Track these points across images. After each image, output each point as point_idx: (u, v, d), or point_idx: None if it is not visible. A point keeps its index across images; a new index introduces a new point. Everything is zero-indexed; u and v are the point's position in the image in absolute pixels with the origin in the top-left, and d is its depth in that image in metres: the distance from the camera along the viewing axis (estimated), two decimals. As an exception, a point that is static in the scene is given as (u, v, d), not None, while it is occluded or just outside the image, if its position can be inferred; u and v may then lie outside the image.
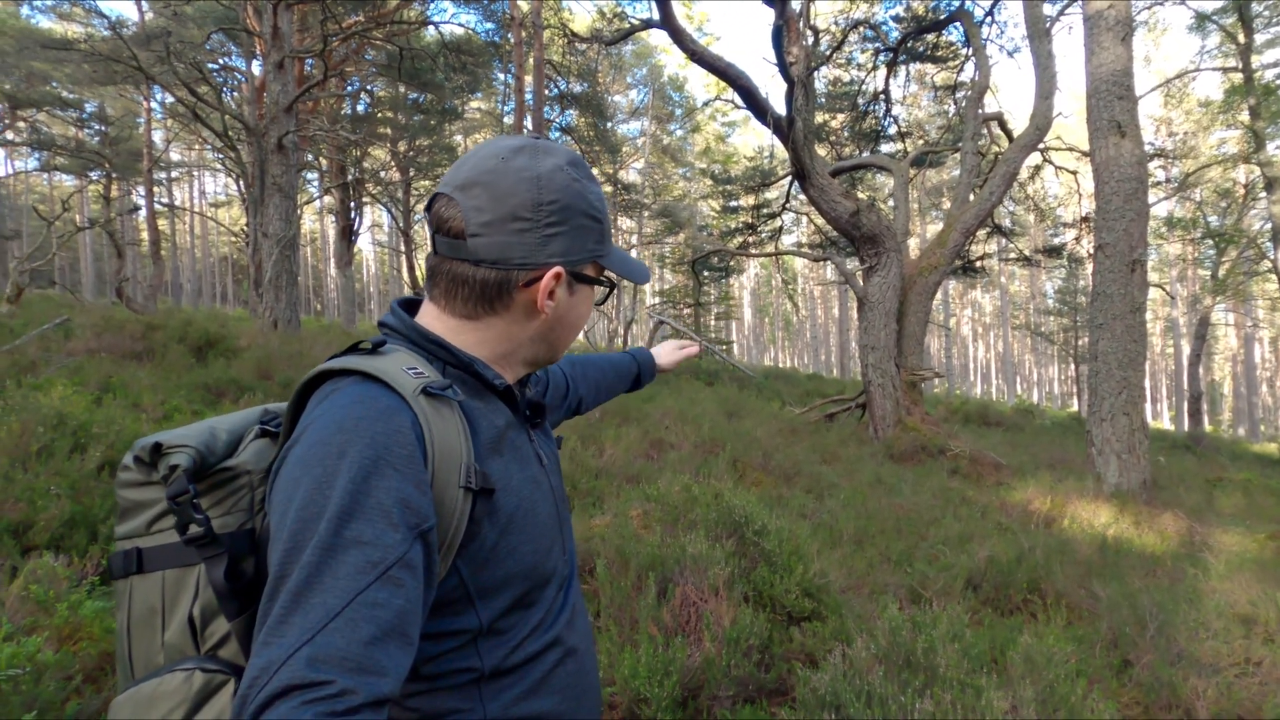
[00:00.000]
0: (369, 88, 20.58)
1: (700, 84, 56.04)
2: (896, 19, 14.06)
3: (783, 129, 7.51)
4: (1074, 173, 12.87)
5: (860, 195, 12.38)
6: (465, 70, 16.75)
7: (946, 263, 8.79)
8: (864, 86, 14.56)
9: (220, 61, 18.79)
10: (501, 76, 21.66)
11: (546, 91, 16.79)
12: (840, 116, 16.93)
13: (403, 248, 21.48)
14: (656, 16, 7.48)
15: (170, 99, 16.88)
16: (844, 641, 2.36)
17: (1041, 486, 6.23)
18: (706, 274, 23.28)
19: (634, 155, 31.15)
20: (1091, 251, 7.53)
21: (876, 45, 13.54)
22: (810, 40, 10.07)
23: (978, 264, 15.61)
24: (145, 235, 21.13)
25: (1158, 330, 41.70)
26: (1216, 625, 3.10)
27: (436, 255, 0.82)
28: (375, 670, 0.58)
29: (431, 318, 0.83)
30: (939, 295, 17.82)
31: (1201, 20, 16.44)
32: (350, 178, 18.72)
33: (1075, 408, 27.33)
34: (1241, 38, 15.36)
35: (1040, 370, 53.51)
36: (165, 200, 29.99)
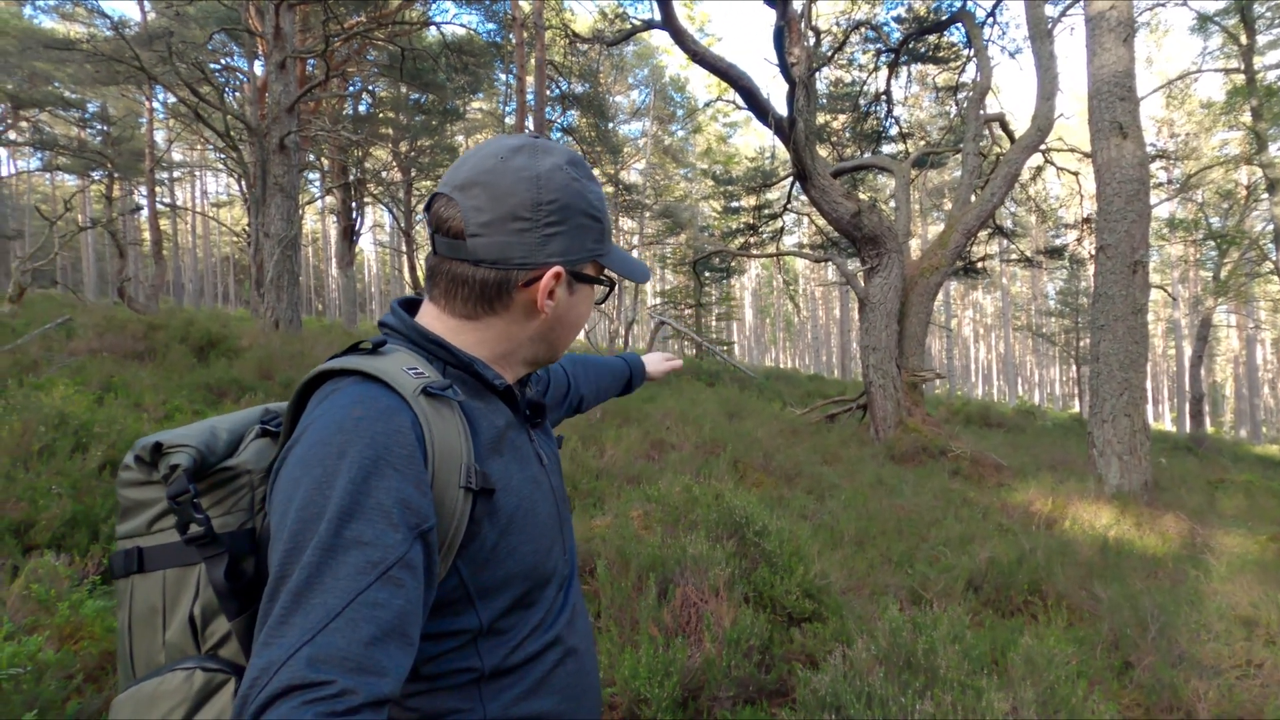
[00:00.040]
0: (371, 88, 20.60)
1: (702, 85, 56.03)
2: (898, 20, 14.08)
3: (784, 130, 7.51)
4: (1075, 174, 12.85)
5: (862, 196, 12.39)
6: (467, 71, 16.77)
7: (948, 264, 8.78)
8: (865, 87, 14.56)
9: (222, 62, 18.81)
10: (503, 77, 21.67)
11: (548, 92, 16.80)
12: (842, 117, 16.95)
13: (404, 248, 21.50)
14: (658, 17, 7.49)
15: (172, 99, 16.89)
16: (844, 642, 2.35)
17: (1043, 488, 6.22)
18: (708, 275, 23.30)
19: (635, 156, 31.16)
20: (1093, 253, 7.52)
21: (878, 46, 13.53)
22: (812, 41, 10.08)
23: (979, 265, 15.61)
24: (147, 235, 21.18)
25: (1159, 332, 41.67)
26: (1218, 627, 3.09)
27: (436, 255, 0.82)
28: (375, 670, 0.58)
29: (431, 318, 0.83)
30: (940, 296, 17.83)
31: (1204, 21, 16.42)
32: (352, 178, 18.74)
33: (1077, 409, 27.30)
34: (1244, 39, 15.35)
35: (1041, 371, 53.45)
36: (167, 200, 30.04)
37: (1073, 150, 12.27)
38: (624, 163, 27.81)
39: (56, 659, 1.73)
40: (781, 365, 47.28)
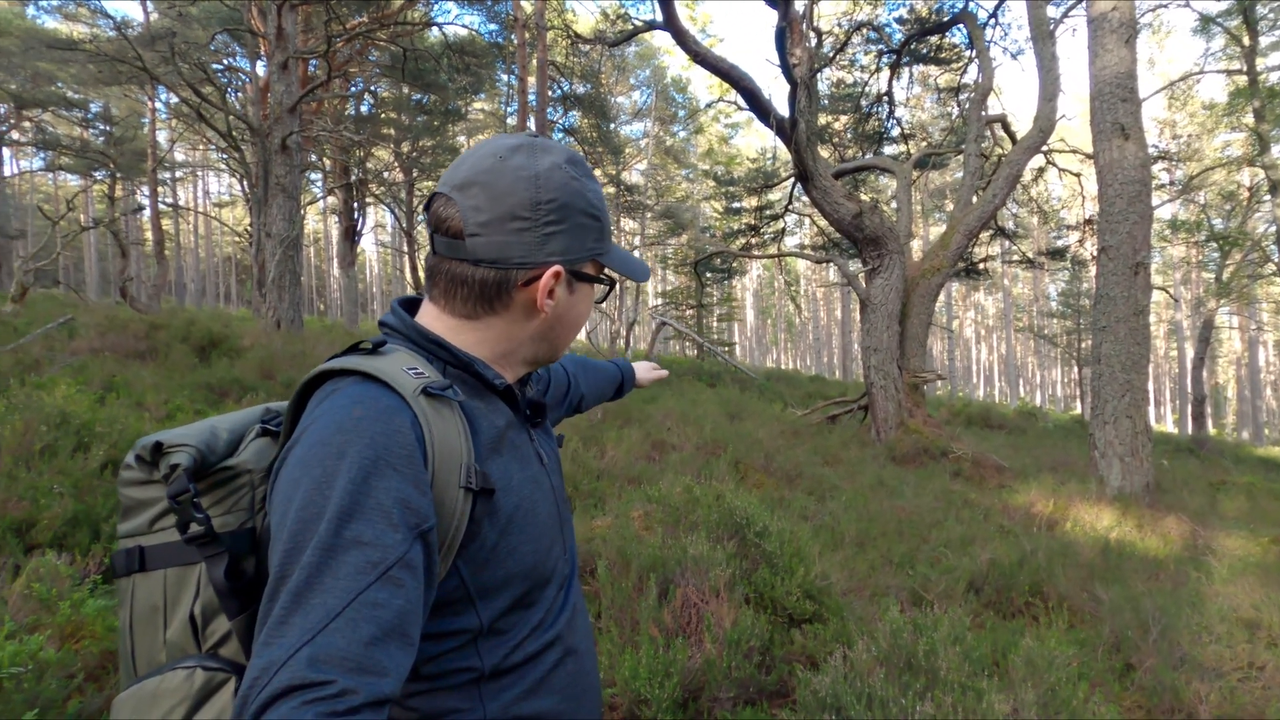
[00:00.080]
0: (372, 88, 20.62)
1: (703, 85, 56.00)
2: (900, 21, 14.06)
3: (786, 131, 7.50)
4: (1077, 175, 12.83)
5: (863, 197, 12.36)
6: (469, 71, 16.79)
7: (949, 265, 8.77)
8: (867, 88, 14.56)
9: (224, 62, 18.81)
10: (505, 78, 21.70)
11: (550, 93, 16.82)
12: (843, 118, 16.95)
13: (406, 248, 21.52)
14: (660, 18, 7.49)
15: (175, 99, 16.94)
16: (845, 644, 2.35)
17: (1044, 489, 6.21)
18: (709, 275, 23.29)
19: (637, 156, 31.18)
20: (1095, 254, 7.52)
21: (880, 47, 13.53)
22: (813, 42, 10.06)
23: (980, 266, 15.57)
24: (149, 235, 21.21)
25: (1161, 333, 41.59)
26: (1219, 629, 3.09)
27: (435, 255, 0.82)
28: (376, 670, 0.58)
29: (431, 318, 0.83)
30: (942, 297, 17.81)
31: (1206, 23, 16.39)
32: (354, 178, 18.76)
33: (1078, 410, 27.28)
34: (1246, 40, 15.32)
35: (1043, 373, 53.38)
36: (169, 200, 30.08)
37: (1075, 151, 12.26)
38: (625, 163, 27.83)
39: (57, 658, 1.73)
40: (783, 366, 47.29)
